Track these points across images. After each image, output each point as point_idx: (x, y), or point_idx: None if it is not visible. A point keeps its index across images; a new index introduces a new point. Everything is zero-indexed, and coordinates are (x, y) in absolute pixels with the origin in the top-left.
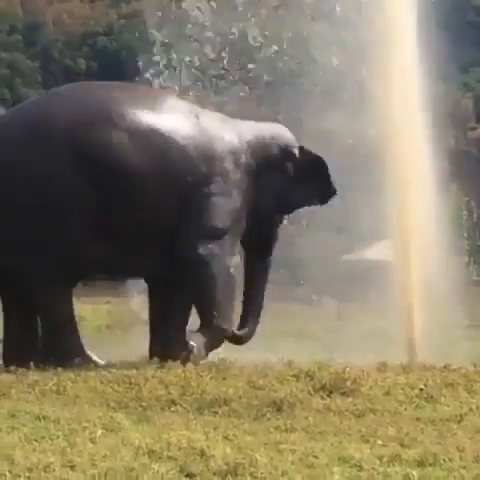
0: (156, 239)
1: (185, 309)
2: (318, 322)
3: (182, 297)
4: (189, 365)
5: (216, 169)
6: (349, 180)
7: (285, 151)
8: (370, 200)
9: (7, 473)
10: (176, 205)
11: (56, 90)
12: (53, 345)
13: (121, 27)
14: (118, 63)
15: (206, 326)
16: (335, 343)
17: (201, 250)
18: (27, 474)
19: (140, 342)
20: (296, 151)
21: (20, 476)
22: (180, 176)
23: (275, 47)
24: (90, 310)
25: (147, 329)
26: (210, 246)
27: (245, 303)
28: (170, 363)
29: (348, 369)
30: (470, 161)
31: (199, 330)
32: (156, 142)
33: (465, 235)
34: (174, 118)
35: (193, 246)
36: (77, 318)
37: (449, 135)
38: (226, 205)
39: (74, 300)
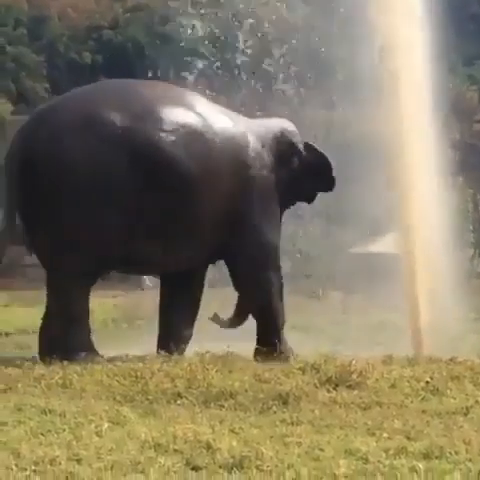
0: (196, 237)
1: (195, 306)
2: (324, 315)
3: (193, 294)
4: (195, 358)
5: (252, 169)
6: (354, 174)
7: (292, 147)
8: (375, 194)
9: (13, 467)
10: (217, 205)
11: (96, 87)
12: (62, 338)
13: (126, 21)
14: (124, 57)
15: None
16: (341, 336)
17: (264, 254)
18: (33, 467)
19: (145, 336)
20: (302, 147)
21: (26, 469)
22: (222, 175)
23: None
24: (97, 304)
25: (150, 323)
26: (270, 248)
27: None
28: (176, 356)
29: (354, 362)
30: (476, 154)
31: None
32: (200, 142)
33: (471, 228)
34: (214, 118)
35: (256, 248)
36: None
37: (454, 128)
38: (270, 205)
39: None
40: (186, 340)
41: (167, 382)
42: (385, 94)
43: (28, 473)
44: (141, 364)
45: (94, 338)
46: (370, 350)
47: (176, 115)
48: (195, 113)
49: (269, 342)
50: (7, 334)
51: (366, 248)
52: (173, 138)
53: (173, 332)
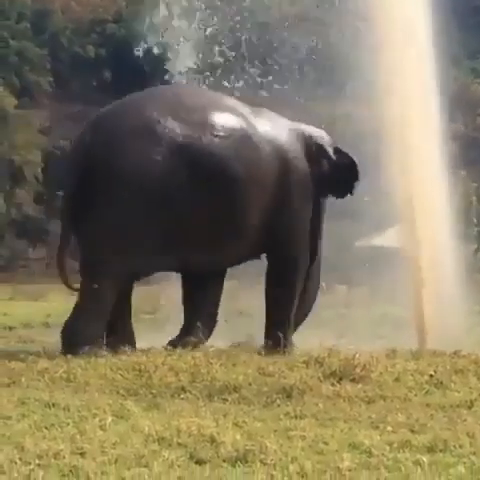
0: (243, 239)
1: (218, 301)
2: (328, 308)
3: (217, 289)
4: (199, 352)
5: (292, 171)
6: (359, 167)
7: (321, 149)
8: (379, 187)
9: (17, 460)
10: (262, 207)
11: (149, 93)
12: (74, 328)
13: (130, 14)
14: (127, 50)
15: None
16: (345, 329)
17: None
18: (37, 461)
19: (150, 330)
20: (331, 150)
21: (30, 463)
22: (267, 178)
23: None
24: None
25: (155, 318)
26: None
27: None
28: (180, 350)
29: (358, 355)
30: (479, 147)
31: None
32: (249, 146)
33: (474, 221)
34: (258, 122)
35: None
36: None
37: (458, 121)
38: (306, 209)
39: None
40: (208, 334)
41: (171, 376)
42: (388, 89)
43: (32, 467)
44: (145, 358)
45: None
46: (374, 344)
47: (227, 121)
48: (243, 118)
49: (275, 335)
50: (10, 328)
51: (370, 242)
52: (225, 144)
53: (193, 326)
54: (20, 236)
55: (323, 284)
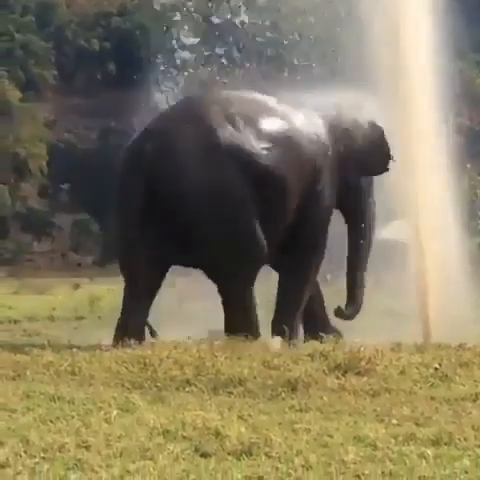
0: (281, 236)
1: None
2: (332, 301)
3: None
4: (204, 345)
5: (323, 163)
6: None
7: (354, 125)
8: (383, 180)
9: (22, 453)
10: (296, 202)
11: (193, 101)
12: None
13: (134, 7)
14: (131, 43)
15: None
16: (349, 322)
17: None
18: (42, 454)
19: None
20: (364, 125)
21: (35, 456)
22: (302, 177)
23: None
24: (105, 291)
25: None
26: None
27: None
28: (185, 343)
29: (363, 349)
30: None
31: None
32: (291, 148)
33: (479, 214)
34: (296, 121)
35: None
36: (92, 298)
37: (463, 114)
38: (330, 200)
39: (87, 281)
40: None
41: (176, 369)
42: (393, 80)
43: (37, 460)
44: (150, 351)
45: (102, 325)
46: (378, 337)
47: (272, 127)
48: (284, 121)
49: (281, 328)
50: (15, 321)
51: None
52: (272, 151)
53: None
54: (25, 230)
55: (328, 276)
